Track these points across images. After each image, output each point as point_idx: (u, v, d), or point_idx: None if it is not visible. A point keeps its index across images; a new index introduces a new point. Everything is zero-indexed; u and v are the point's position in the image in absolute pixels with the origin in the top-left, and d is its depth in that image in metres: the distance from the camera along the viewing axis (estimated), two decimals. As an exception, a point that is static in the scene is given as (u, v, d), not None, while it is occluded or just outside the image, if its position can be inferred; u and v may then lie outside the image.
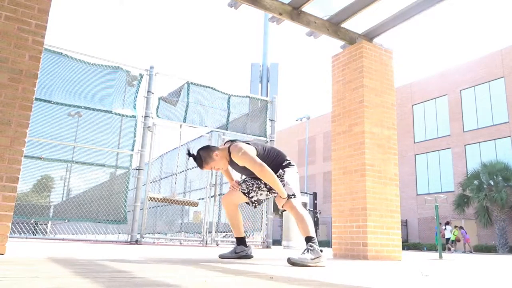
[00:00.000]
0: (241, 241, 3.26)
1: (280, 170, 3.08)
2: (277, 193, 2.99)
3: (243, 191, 3.17)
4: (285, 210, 3.06)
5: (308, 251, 2.75)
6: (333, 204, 5.08)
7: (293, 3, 4.89)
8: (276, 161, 3.11)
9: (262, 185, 3.17)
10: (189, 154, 3.04)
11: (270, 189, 3.17)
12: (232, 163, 3.09)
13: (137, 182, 7.22)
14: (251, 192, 3.17)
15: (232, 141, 3.13)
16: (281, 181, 3.00)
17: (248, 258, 3.23)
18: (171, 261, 2.66)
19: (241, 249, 3.23)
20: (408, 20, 5.04)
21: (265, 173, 2.90)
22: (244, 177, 3.30)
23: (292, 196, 3.00)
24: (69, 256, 2.75)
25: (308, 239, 2.86)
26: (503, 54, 24.39)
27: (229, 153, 3.03)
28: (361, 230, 4.61)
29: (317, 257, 2.70)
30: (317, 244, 2.84)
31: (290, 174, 3.12)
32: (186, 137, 9.99)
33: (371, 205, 4.66)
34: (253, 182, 3.18)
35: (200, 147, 3.08)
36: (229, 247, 7.45)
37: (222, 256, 3.22)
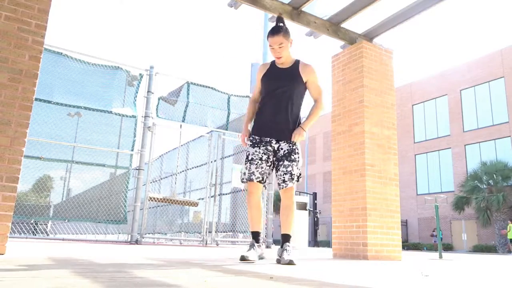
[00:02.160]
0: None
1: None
2: (297, 156, 2.97)
3: (258, 179, 2.98)
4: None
5: (289, 251, 2.85)
6: (333, 204, 5.09)
7: (293, 3, 4.89)
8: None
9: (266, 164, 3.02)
10: (278, 18, 3.03)
11: (281, 162, 3.00)
12: (278, 70, 3.06)
13: (137, 182, 7.22)
14: (265, 177, 3.02)
15: None
16: (297, 155, 2.98)
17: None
18: (171, 261, 2.66)
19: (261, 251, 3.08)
20: (408, 20, 5.04)
21: (324, 103, 3.10)
22: (256, 154, 3.02)
23: (300, 176, 3.00)
24: (69, 256, 2.75)
25: (289, 238, 2.97)
26: (503, 54, 24.39)
27: (297, 61, 3.09)
28: (361, 230, 4.61)
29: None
30: None
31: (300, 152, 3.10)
32: (186, 137, 10.00)
33: (371, 205, 4.67)
34: (262, 165, 2.99)
35: (282, 19, 3.06)
36: (229, 247, 7.44)
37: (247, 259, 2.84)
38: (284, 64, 3.07)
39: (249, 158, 2.98)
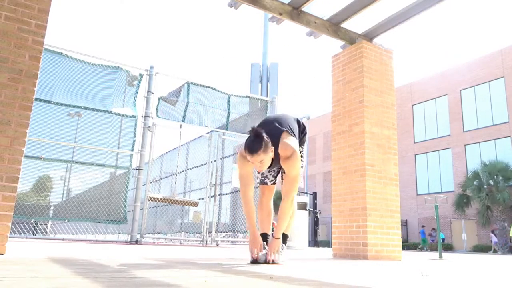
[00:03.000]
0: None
1: (300, 148, 3.01)
2: (274, 230, 2.81)
3: (272, 182, 3.06)
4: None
5: (280, 251, 2.87)
6: (333, 204, 5.08)
7: (293, 3, 4.89)
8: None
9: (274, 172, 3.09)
10: (254, 131, 2.58)
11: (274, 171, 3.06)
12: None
13: (137, 182, 7.22)
14: (278, 177, 3.09)
15: (275, 126, 2.79)
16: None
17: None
18: (171, 261, 2.65)
19: None
20: (408, 20, 5.04)
21: (292, 200, 2.82)
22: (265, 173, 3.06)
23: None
24: (69, 256, 2.75)
25: (286, 237, 3.01)
26: (503, 54, 24.39)
27: (276, 151, 2.75)
28: (361, 230, 4.61)
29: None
30: None
31: (303, 154, 3.08)
32: (186, 137, 10.00)
33: (371, 205, 4.66)
34: (274, 169, 3.04)
35: (258, 132, 2.60)
36: (229, 247, 7.44)
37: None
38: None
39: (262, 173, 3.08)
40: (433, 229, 23.63)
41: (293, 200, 2.86)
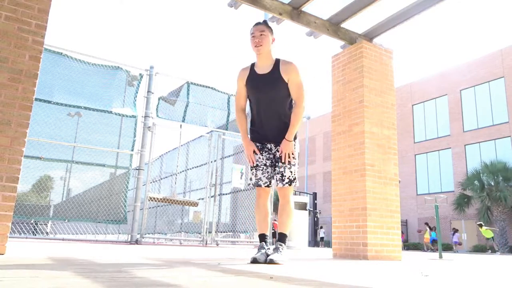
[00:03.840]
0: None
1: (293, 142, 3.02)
2: (286, 137, 2.93)
3: (266, 184, 3.03)
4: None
5: (282, 251, 2.89)
6: (333, 204, 5.08)
7: (293, 3, 4.89)
8: None
9: (270, 167, 3.07)
10: (264, 22, 3.00)
11: (276, 164, 3.05)
12: (259, 77, 2.96)
13: (137, 182, 7.22)
14: (272, 180, 3.07)
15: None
16: (293, 159, 2.97)
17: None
18: (171, 261, 2.66)
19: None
20: (408, 20, 5.04)
21: (303, 108, 2.96)
22: (259, 159, 3.07)
23: (294, 182, 2.98)
24: (69, 256, 2.75)
25: (285, 237, 3.00)
26: (503, 54, 24.40)
27: (277, 61, 2.98)
28: (361, 230, 4.61)
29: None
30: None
31: (296, 150, 3.06)
32: (186, 137, 10.01)
33: (371, 205, 4.66)
34: (268, 170, 3.04)
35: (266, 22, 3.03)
36: (229, 247, 7.44)
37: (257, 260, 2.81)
38: (264, 66, 2.97)
39: (255, 165, 3.05)
40: (427, 224, 23.55)
41: (304, 108, 2.97)
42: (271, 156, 3.06)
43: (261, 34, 2.91)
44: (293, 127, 2.93)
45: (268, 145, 3.07)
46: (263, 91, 2.96)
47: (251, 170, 3.07)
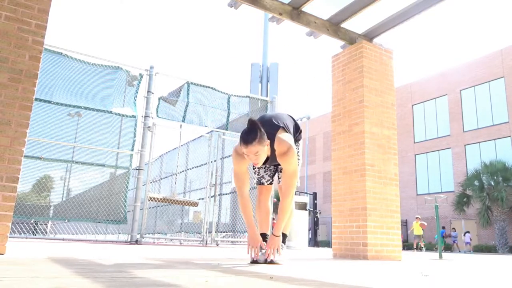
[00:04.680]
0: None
1: (296, 144, 3.00)
2: (274, 227, 2.79)
3: (268, 182, 3.07)
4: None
5: (282, 252, 2.88)
6: (333, 204, 5.08)
7: (293, 3, 4.89)
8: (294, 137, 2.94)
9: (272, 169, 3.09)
10: (250, 122, 2.55)
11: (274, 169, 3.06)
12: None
13: (137, 182, 7.21)
14: (275, 177, 3.09)
15: (270, 124, 2.75)
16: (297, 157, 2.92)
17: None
18: (171, 261, 2.65)
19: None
20: (408, 20, 5.04)
21: (292, 197, 2.78)
22: (264, 171, 3.08)
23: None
24: (69, 256, 2.75)
25: (284, 237, 3.01)
26: (503, 54, 24.39)
27: (272, 148, 2.73)
28: (361, 230, 4.61)
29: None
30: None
31: (300, 153, 3.03)
32: (186, 137, 10.00)
33: (371, 205, 4.66)
34: (270, 168, 3.06)
35: (253, 122, 2.55)
36: (229, 247, 7.44)
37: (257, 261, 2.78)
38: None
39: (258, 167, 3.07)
40: (453, 228, 23.53)
41: (293, 197, 2.83)
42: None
43: (256, 155, 2.57)
44: (280, 221, 2.75)
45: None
46: (266, 176, 3.04)
47: (254, 169, 3.08)
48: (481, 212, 22.15)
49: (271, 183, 3.08)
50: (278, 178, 3.02)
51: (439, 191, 25.96)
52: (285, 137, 2.71)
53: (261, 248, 2.88)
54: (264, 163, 2.85)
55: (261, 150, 2.56)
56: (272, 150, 2.73)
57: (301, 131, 3.12)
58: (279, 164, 2.93)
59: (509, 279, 2.31)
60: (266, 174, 3.06)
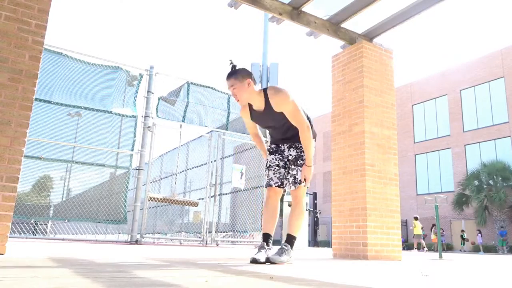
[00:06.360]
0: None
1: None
2: (303, 162, 2.94)
3: (277, 184, 3.06)
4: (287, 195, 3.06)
5: (286, 252, 2.88)
6: (333, 204, 5.08)
7: (293, 3, 4.89)
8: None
9: (284, 169, 3.09)
10: (232, 64, 2.87)
11: (289, 167, 3.06)
12: (258, 114, 2.93)
13: (137, 182, 7.22)
14: (284, 181, 3.09)
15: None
16: (302, 162, 2.99)
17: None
18: (171, 261, 2.66)
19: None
20: (408, 20, 5.04)
21: (308, 130, 2.85)
22: (272, 161, 3.12)
23: (304, 184, 2.96)
24: (69, 256, 2.75)
25: (293, 239, 2.99)
26: (503, 54, 24.39)
27: (266, 95, 2.84)
28: (361, 230, 4.61)
29: (290, 257, 2.92)
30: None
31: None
32: (186, 137, 10.01)
33: (371, 205, 4.66)
34: (280, 171, 3.08)
35: (243, 68, 2.88)
36: (229, 247, 7.45)
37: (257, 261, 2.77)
38: (257, 105, 2.91)
39: (267, 165, 3.14)
40: (462, 231, 23.39)
41: (307, 130, 2.86)
42: (285, 158, 3.11)
43: (233, 89, 2.81)
44: (307, 151, 2.92)
45: (282, 147, 3.14)
46: (267, 123, 3.03)
47: (265, 171, 3.17)
48: (479, 212, 22.16)
49: (279, 186, 3.07)
50: (289, 184, 2.99)
51: (439, 191, 25.96)
52: (279, 87, 2.89)
53: (261, 248, 2.88)
54: (263, 123, 3.01)
55: (239, 86, 2.79)
56: (267, 104, 2.85)
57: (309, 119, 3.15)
58: (288, 151, 3.06)
59: (509, 279, 2.31)
60: (275, 176, 3.07)
